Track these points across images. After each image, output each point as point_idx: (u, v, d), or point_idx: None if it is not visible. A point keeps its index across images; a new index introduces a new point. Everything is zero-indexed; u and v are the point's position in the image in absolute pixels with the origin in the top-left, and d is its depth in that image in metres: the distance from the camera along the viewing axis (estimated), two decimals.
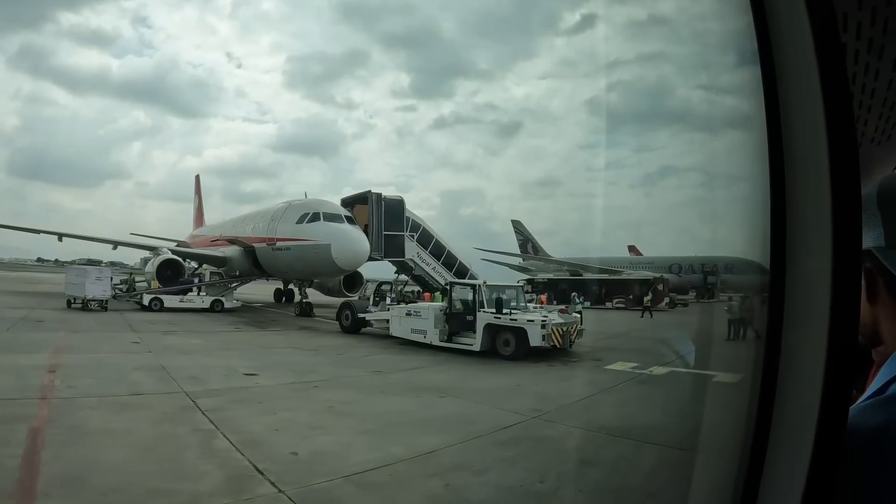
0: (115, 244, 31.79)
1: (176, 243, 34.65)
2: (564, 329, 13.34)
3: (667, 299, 37.14)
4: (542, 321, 12.95)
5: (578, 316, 15.02)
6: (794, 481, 0.78)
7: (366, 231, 23.72)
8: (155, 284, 23.95)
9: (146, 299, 22.43)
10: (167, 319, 18.90)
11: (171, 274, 24.67)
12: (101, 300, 20.65)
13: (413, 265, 25.71)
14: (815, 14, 0.81)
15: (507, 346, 13.01)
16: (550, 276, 49.24)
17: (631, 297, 37.28)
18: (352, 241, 21.65)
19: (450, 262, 26.58)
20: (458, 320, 14.34)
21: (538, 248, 63.12)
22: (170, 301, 22.59)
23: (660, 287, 36.50)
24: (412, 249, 25.45)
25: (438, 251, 26.42)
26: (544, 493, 5.14)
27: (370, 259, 24.86)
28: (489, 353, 13.17)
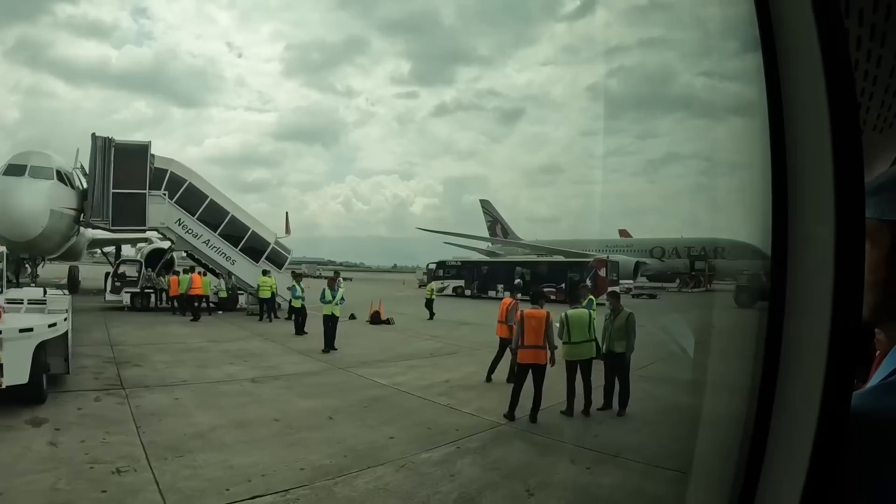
0: None
1: None
2: None
3: (616, 288, 27.41)
4: None
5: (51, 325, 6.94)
6: (797, 469, 0.79)
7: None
8: None
9: None
10: None
11: None
12: None
13: (174, 237, 18.95)
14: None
15: None
16: (475, 258, 43.81)
17: (563, 285, 28.01)
18: (9, 200, 14.85)
19: (236, 233, 19.42)
20: None
21: (508, 230, 60.26)
22: None
23: (601, 272, 28.13)
24: (166, 214, 18.24)
25: (214, 218, 19.04)
26: (538, 486, 5.10)
27: (93, 227, 19.29)
28: None
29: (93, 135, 17.75)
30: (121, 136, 18.69)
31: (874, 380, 0.92)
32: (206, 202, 18.94)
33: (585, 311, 7.78)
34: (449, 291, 34.00)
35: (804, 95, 0.81)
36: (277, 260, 20.69)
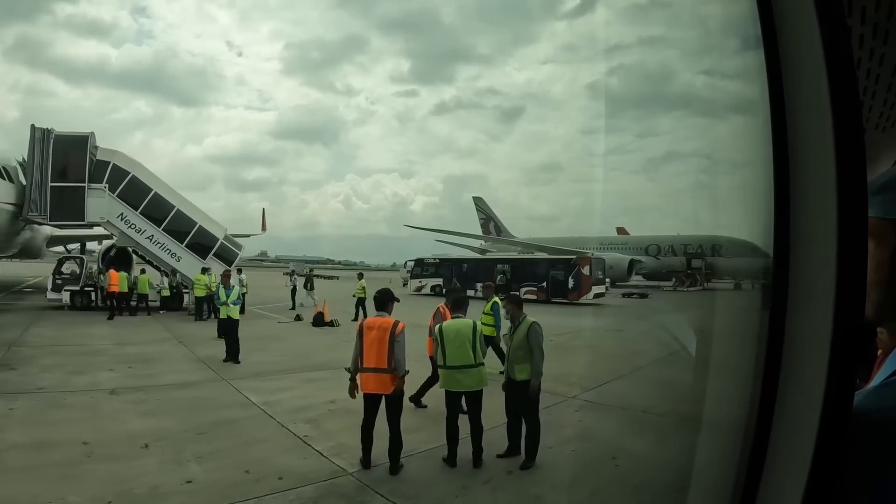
0: None
1: None
2: None
3: (602, 287, 26.60)
4: None
5: None
6: (799, 467, 0.78)
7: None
8: None
9: None
10: None
11: None
12: None
13: (116, 233, 18.16)
14: None
15: None
16: (455, 255, 41.68)
17: (545, 284, 26.38)
18: None
19: (181, 228, 18.53)
20: None
21: (501, 228, 59.64)
22: None
23: (584, 270, 25.65)
24: (107, 208, 17.50)
25: (159, 212, 18.23)
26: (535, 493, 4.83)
27: (32, 222, 18.59)
28: None
29: (31, 126, 17.18)
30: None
31: (876, 379, 0.92)
32: (150, 196, 18.06)
33: (468, 322, 5.53)
34: (427, 290, 31.67)
35: (806, 93, 0.81)
36: (226, 256, 19.68)
